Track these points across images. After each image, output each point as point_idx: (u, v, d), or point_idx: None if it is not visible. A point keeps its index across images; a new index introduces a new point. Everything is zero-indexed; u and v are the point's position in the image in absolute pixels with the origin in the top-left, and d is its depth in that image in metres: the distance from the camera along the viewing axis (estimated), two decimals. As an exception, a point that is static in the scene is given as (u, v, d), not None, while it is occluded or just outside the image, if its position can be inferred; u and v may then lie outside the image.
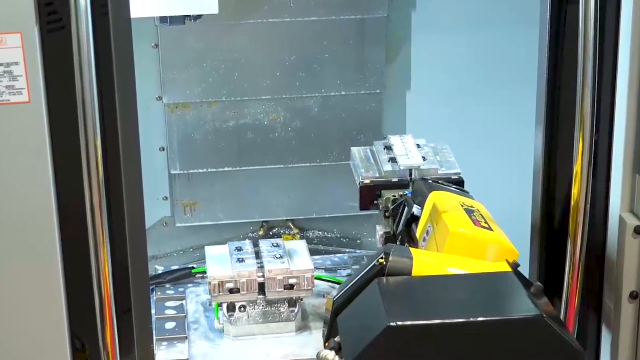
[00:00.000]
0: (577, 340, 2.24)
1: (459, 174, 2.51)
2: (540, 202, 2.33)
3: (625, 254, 2.24)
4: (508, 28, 2.88)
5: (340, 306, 2.04)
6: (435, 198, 2.25)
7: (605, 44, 2.19)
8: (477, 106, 2.99)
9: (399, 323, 1.88)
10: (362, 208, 2.54)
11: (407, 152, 2.53)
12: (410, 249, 2.09)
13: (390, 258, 2.03)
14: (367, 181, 2.50)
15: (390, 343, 1.89)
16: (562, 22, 2.21)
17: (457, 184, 2.46)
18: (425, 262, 2.05)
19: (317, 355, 2.01)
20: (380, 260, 2.04)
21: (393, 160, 2.52)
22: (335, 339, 2.00)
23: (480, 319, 1.90)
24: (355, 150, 2.63)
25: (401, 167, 2.49)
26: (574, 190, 2.20)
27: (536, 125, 2.31)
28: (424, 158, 2.52)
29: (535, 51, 2.28)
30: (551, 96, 2.26)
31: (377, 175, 2.51)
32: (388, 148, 2.58)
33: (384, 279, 2.02)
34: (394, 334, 1.88)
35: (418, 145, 2.59)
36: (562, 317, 2.27)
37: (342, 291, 2.07)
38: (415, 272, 2.03)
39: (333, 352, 1.99)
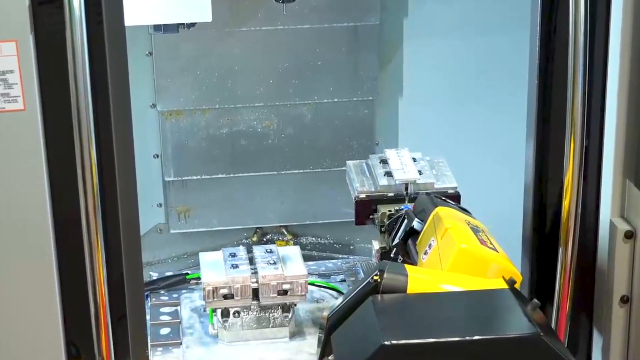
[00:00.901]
0: (569, 345, 2.26)
1: (456, 188, 2.50)
2: (532, 207, 2.33)
3: (616, 259, 2.24)
4: (499, 34, 2.89)
5: (334, 324, 2.03)
6: (442, 213, 2.23)
7: (595, 52, 2.19)
8: (469, 111, 2.99)
9: (394, 342, 1.86)
10: (357, 223, 2.52)
11: (403, 166, 2.51)
12: (405, 265, 2.08)
13: (385, 275, 2.02)
14: (362, 196, 2.48)
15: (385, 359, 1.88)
16: (552, 30, 2.22)
17: (454, 198, 2.45)
18: (420, 279, 2.04)
19: None
20: (375, 278, 2.02)
21: (389, 174, 2.51)
22: (329, 357, 1.99)
23: (476, 337, 1.88)
24: (350, 163, 2.61)
25: (397, 182, 2.47)
26: (565, 196, 2.20)
27: (527, 132, 2.32)
28: (420, 172, 2.51)
29: (525, 57, 2.28)
30: (542, 103, 2.26)
31: (373, 189, 2.49)
32: (384, 162, 2.57)
33: (379, 296, 2.01)
34: (388, 353, 1.86)
35: (414, 159, 2.57)
36: (553, 321, 2.27)
37: (337, 308, 2.05)
38: (410, 289, 2.02)
39: None
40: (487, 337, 1.88)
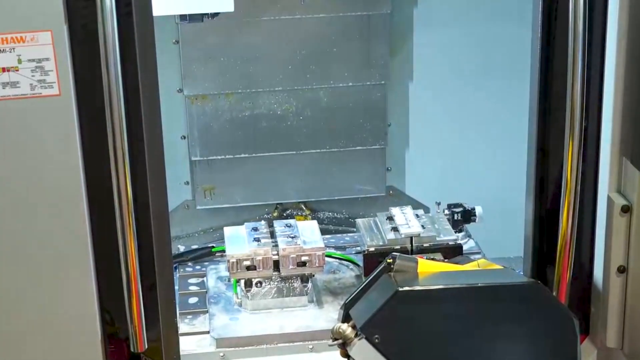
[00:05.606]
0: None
1: (456, 240, 2.53)
2: (535, 183, 2.32)
3: (613, 231, 2.22)
4: (505, 23, 2.86)
5: (350, 303, 2.05)
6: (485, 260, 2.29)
7: (594, 40, 2.17)
8: (474, 97, 2.98)
9: (407, 288, 1.94)
10: (367, 275, 2.54)
11: (408, 221, 2.56)
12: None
13: (397, 260, 2.06)
14: (372, 249, 2.51)
15: (400, 306, 1.92)
16: (553, 18, 2.20)
17: (455, 249, 2.50)
18: (428, 264, 2.09)
19: (332, 329, 2.01)
20: (389, 261, 2.06)
21: (395, 229, 2.54)
22: (349, 323, 2.00)
23: (480, 284, 1.98)
24: (360, 221, 2.66)
25: (403, 236, 2.51)
26: (566, 173, 2.19)
27: (530, 114, 2.30)
28: (423, 227, 2.54)
29: (529, 45, 2.26)
30: (544, 87, 2.24)
31: (381, 243, 2.52)
32: (390, 218, 2.60)
33: (393, 273, 2.05)
34: (402, 298, 1.93)
35: (417, 215, 2.61)
36: (555, 290, 2.26)
37: (352, 294, 2.08)
38: (420, 271, 2.07)
39: (346, 324, 1.99)
40: (490, 283, 1.99)
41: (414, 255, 2.18)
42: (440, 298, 1.97)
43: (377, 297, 1.98)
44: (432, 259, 2.19)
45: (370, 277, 2.07)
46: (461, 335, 1.97)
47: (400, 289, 1.94)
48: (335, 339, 2.00)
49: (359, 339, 1.96)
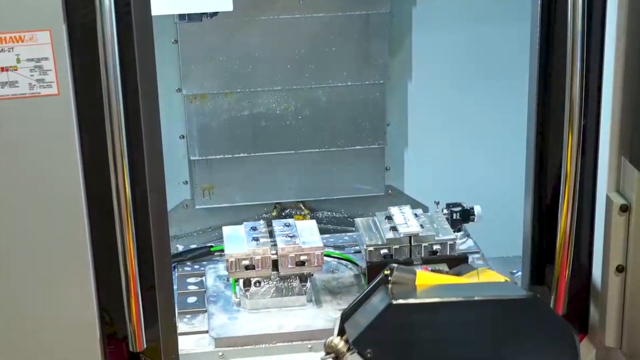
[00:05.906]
0: (567, 311, 2.25)
1: (454, 239, 2.53)
2: (533, 182, 2.32)
3: (612, 230, 2.22)
4: (503, 23, 2.86)
5: (347, 314, 2.03)
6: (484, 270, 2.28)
7: (593, 37, 2.17)
8: (473, 96, 2.97)
9: (401, 301, 1.89)
10: (369, 281, 2.54)
11: (406, 221, 2.56)
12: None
13: (395, 272, 2.02)
14: (371, 249, 2.51)
15: (393, 319, 1.88)
16: (552, 16, 2.20)
17: (460, 260, 2.48)
18: (427, 276, 2.05)
19: (325, 343, 1.99)
20: (386, 272, 2.02)
21: (394, 228, 2.54)
22: (343, 337, 1.98)
23: (476, 298, 1.91)
24: (359, 220, 2.65)
25: (401, 235, 2.51)
26: (565, 172, 2.19)
27: (529, 112, 2.30)
28: (421, 226, 2.53)
29: (528, 45, 2.26)
30: (543, 85, 2.24)
31: (380, 242, 2.51)
32: (389, 218, 2.60)
33: (390, 285, 2.01)
34: (396, 311, 1.87)
35: (415, 215, 2.61)
36: (553, 289, 2.26)
37: (350, 305, 2.05)
38: (418, 283, 2.04)
39: (339, 338, 1.97)
40: (487, 297, 1.93)
41: (414, 267, 2.15)
42: (436, 311, 1.91)
43: (371, 310, 1.94)
44: (438, 271, 2.17)
45: (369, 288, 2.04)
46: (457, 350, 1.93)
47: (394, 302, 1.89)
48: (328, 353, 1.98)
49: (352, 354, 1.93)
